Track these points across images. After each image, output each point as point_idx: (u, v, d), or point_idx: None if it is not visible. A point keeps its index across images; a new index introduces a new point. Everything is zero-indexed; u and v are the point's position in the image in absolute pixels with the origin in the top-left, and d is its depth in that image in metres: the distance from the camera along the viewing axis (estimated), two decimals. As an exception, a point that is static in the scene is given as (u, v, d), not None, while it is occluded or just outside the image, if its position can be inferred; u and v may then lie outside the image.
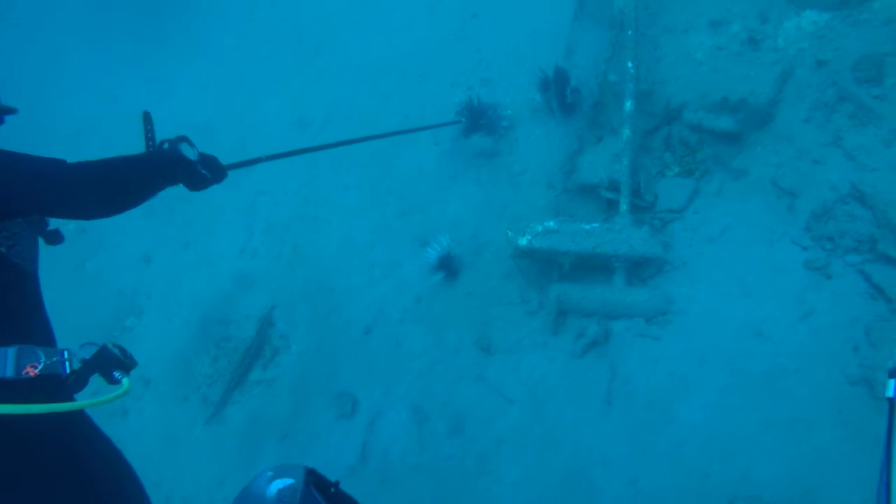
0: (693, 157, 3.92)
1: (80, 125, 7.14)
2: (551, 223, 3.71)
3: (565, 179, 4.28)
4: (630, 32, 4.20)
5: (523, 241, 3.77)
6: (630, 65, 4.09)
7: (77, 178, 1.83)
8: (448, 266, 4.21)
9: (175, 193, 6.14)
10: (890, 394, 0.95)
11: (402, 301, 4.39)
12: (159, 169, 2.17)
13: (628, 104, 3.99)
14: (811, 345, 3.11)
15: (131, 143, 2.49)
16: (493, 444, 3.61)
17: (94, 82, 7.44)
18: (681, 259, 3.65)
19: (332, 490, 1.50)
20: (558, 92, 4.49)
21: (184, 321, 5.11)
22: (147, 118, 2.35)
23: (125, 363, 1.93)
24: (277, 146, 5.73)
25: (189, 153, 2.29)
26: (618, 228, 3.64)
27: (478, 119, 4.66)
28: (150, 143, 2.34)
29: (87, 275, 5.80)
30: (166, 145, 2.30)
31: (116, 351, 1.92)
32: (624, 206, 3.74)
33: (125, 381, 1.85)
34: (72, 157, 1.91)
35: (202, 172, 2.33)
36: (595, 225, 3.69)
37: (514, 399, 3.67)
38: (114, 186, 1.97)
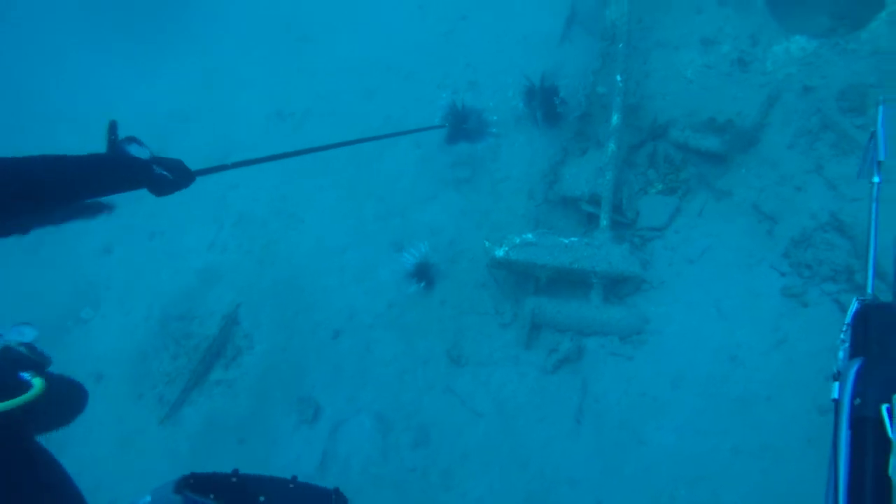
0: (677, 176, 3.93)
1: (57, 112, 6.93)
2: (530, 235, 3.68)
3: (547, 190, 4.27)
4: (621, 45, 4.22)
5: (500, 253, 3.74)
6: (619, 78, 4.11)
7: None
8: (425, 274, 4.16)
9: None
10: (834, 395, 0.99)
11: (375, 306, 4.32)
12: (109, 170, 2.07)
13: (615, 118, 4.00)
14: (784, 372, 3.13)
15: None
16: (458, 458, 3.56)
17: (75, 72, 7.24)
18: (659, 278, 3.66)
19: (233, 479, 1.38)
20: (544, 101, 4.49)
21: (143, 315, 4.97)
22: (112, 128, 2.24)
23: (36, 362, 1.80)
24: (256, 138, 5.68)
25: (139, 153, 2.20)
26: (597, 244, 3.63)
27: (462, 124, 4.63)
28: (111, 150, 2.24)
29: (41, 261, 5.61)
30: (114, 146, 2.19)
31: (23, 350, 1.79)
32: (604, 222, 3.74)
33: (37, 381, 1.72)
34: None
35: (160, 174, 2.23)
36: (574, 239, 3.68)
37: (482, 413, 3.63)
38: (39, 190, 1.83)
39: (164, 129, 6.07)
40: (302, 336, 4.42)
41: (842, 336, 1.10)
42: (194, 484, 1.33)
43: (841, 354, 1.05)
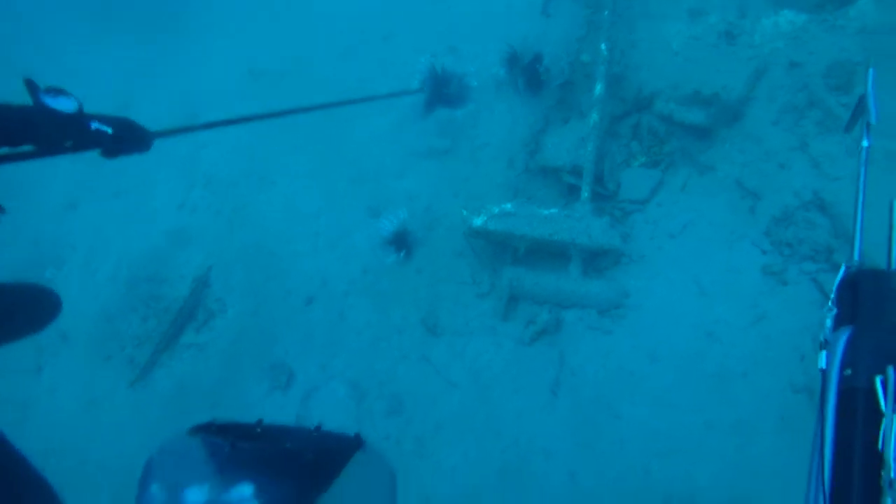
0: (660, 148, 3.83)
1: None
2: (508, 206, 3.56)
3: (528, 159, 4.13)
4: (606, 13, 4.05)
5: (478, 222, 3.62)
6: (604, 46, 3.95)
7: None
8: (403, 242, 4.02)
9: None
10: (822, 365, 0.96)
11: (348, 272, 4.18)
12: (23, 122, 1.84)
13: (598, 87, 3.85)
14: (760, 350, 3.10)
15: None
16: (432, 427, 3.50)
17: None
18: (639, 252, 3.58)
19: (258, 430, 1.27)
20: (526, 68, 4.31)
21: (109, 276, 4.75)
22: (31, 86, 1.94)
23: None
24: (227, 98, 5.38)
25: (64, 105, 1.95)
26: (577, 216, 3.52)
27: (441, 89, 4.44)
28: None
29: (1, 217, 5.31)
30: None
31: None
32: (585, 194, 3.62)
33: None
34: None
35: (99, 129, 2.00)
36: (554, 211, 3.56)
37: (457, 383, 3.56)
38: None
39: (128, 87, 5.73)
40: (274, 301, 4.27)
41: (829, 304, 1.05)
42: (216, 431, 1.22)
43: (828, 323, 1.00)
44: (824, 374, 0.93)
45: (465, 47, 4.88)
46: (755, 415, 2.92)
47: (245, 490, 1.11)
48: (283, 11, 5.56)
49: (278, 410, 3.82)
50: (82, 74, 5.94)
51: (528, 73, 4.29)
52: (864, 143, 1.31)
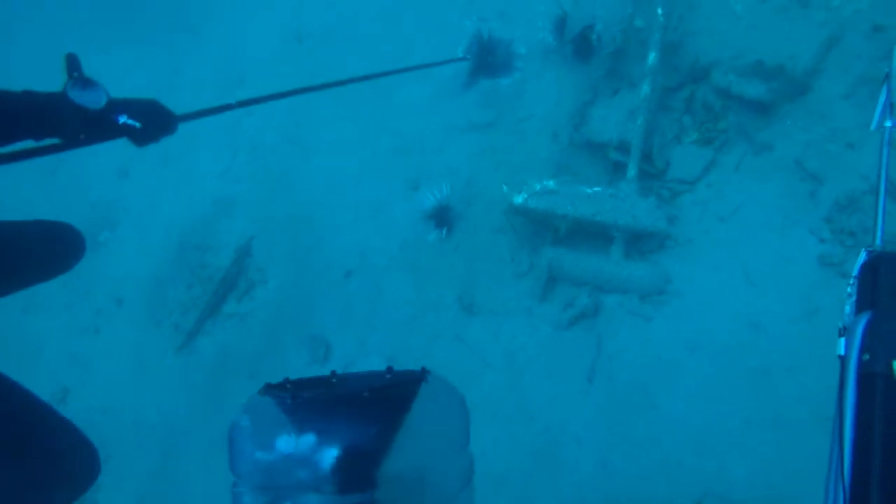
0: (714, 125, 3.60)
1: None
2: (551, 183, 3.44)
3: (573, 132, 3.96)
4: (665, -26, 3.76)
5: (519, 200, 3.52)
6: (660, 11, 3.69)
7: None
8: (444, 219, 3.96)
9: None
10: (840, 352, 0.96)
11: (388, 247, 4.17)
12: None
13: (652, 56, 3.62)
14: (808, 346, 2.94)
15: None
16: (465, 406, 3.51)
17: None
18: (686, 235, 3.41)
19: (333, 380, 1.34)
20: (576, 35, 4.08)
21: (160, 242, 4.91)
22: (72, 62, 1.93)
23: None
24: (271, 62, 5.38)
25: (88, 100, 1.90)
26: (622, 196, 3.38)
27: (487, 56, 4.27)
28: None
29: (58, 184, 5.54)
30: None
31: None
32: (632, 172, 3.46)
33: None
34: None
35: (126, 124, 1.98)
36: (598, 189, 3.43)
37: (491, 364, 3.54)
38: None
39: (174, 51, 5.79)
40: (314, 273, 4.32)
41: (848, 290, 1.04)
42: (288, 387, 1.31)
43: (847, 309, 0.98)
44: (843, 360, 0.92)
45: (514, 10, 4.67)
46: (796, 412, 2.78)
47: (309, 439, 1.18)
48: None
49: (316, 382, 3.92)
50: (131, 33, 6.04)
51: (577, 39, 4.07)
52: (888, 124, 1.27)
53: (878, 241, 1.04)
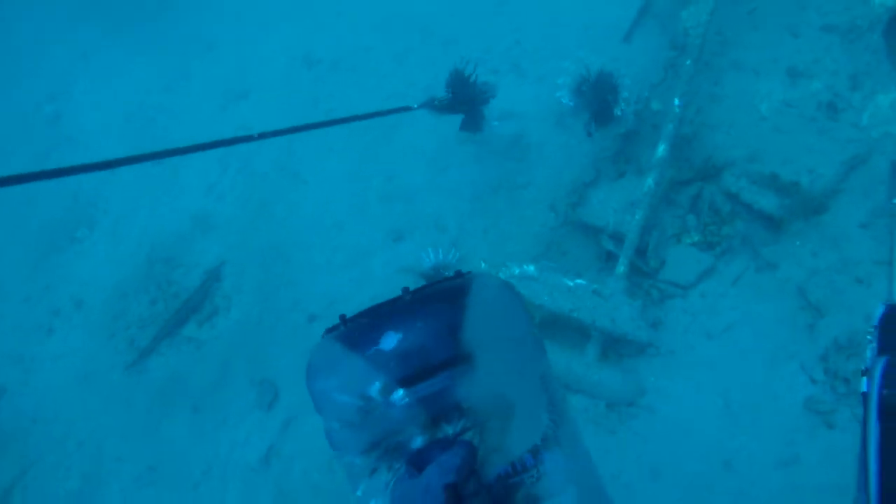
0: (719, 229, 3.37)
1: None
2: (531, 268, 3.23)
3: (569, 210, 3.75)
4: (689, 62, 3.58)
5: (497, 278, 3.31)
6: (677, 101, 3.50)
7: None
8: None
9: (154, 104, 5.60)
10: (864, 389, 1.08)
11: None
12: None
13: (661, 148, 3.42)
14: (783, 497, 2.67)
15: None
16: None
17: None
18: (669, 346, 3.17)
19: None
20: (596, 99, 3.85)
21: (131, 250, 4.76)
22: None
23: None
24: (279, 83, 5.26)
25: None
26: (606, 294, 3.15)
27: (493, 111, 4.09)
28: None
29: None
30: None
31: None
32: (622, 268, 3.23)
33: None
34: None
35: None
36: (581, 282, 3.20)
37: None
38: None
39: (184, 55, 5.72)
40: (278, 311, 4.13)
41: (869, 337, 1.18)
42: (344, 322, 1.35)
43: (868, 353, 1.11)
44: (865, 396, 1.06)
45: (529, 66, 4.51)
46: (759, 578, 2.52)
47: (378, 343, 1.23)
48: (347, 3, 5.33)
49: (256, 430, 3.71)
50: (146, 38, 5.99)
51: (598, 104, 3.83)
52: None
53: (894, 297, 1.13)
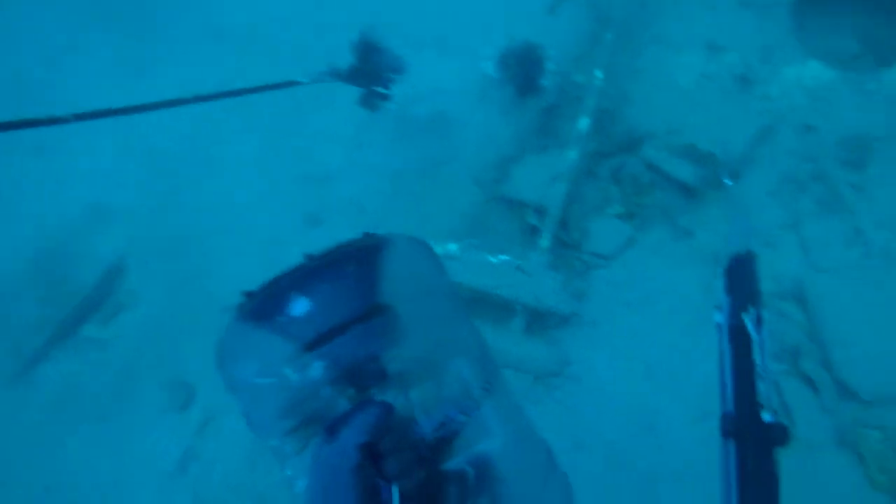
0: (640, 200, 3.83)
1: None
2: (453, 247, 3.59)
3: (494, 185, 4.15)
4: (610, 35, 4.04)
5: (419, 258, 3.66)
6: (598, 74, 3.95)
7: None
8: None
9: (34, 79, 5.62)
10: (718, 320, 1.47)
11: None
12: None
13: (583, 122, 3.86)
14: (702, 450, 3.13)
15: None
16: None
17: None
18: (593, 316, 3.60)
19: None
20: (521, 73, 4.25)
21: (14, 244, 4.82)
22: None
23: None
24: (186, 60, 5.42)
25: None
26: (530, 269, 3.55)
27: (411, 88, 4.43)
28: None
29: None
30: None
31: None
32: (545, 243, 3.64)
33: None
34: None
35: None
36: (504, 258, 3.59)
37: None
38: None
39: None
40: (190, 306, 4.32)
41: (718, 281, 1.57)
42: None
43: (720, 294, 1.50)
44: (719, 325, 1.45)
45: (453, 38, 4.87)
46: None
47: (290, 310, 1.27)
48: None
49: (169, 434, 3.91)
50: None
51: (523, 77, 4.23)
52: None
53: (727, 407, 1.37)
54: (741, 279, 1.48)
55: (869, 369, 2.99)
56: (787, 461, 3.04)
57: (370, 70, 3.71)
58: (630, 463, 3.19)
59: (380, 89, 3.85)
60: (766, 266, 3.41)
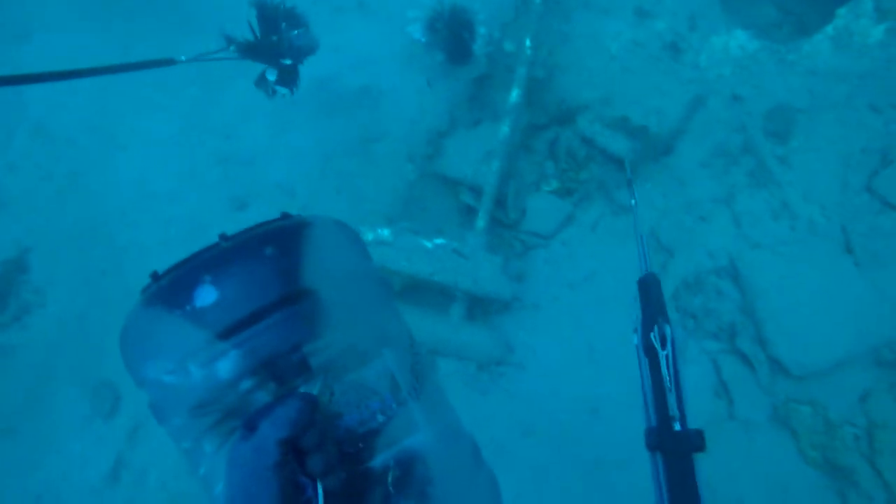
0: (577, 175, 3.75)
1: None
2: (386, 232, 3.41)
3: (427, 161, 3.97)
4: (538, 1, 3.85)
5: (353, 246, 3.47)
6: (528, 43, 3.77)
7: None
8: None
9: None
10: (635, 342, 1.50)
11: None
12: None
13: (514, 93, 3.69)
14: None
15: None
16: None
17: None
18: (534, 299, 3.54)
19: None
20: (451, 37, 3.99)
21: None
22: None
23: None
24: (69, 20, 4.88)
25: None
26: (467, 252, 3.43)
27: (337, 57, 4.15)
28: None
29: None
30: None
31: None
32: (481, 223, 3.51)
33: None
34: None
35: None
36: (440, 242, 3.45)
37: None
38: None
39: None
40: (106, 302, 4.01)
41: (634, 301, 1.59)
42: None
43: (635, 317, 1.53)
44: (636, 347, 1.49)
45: (376, 2, 4.58)
46: (626, 510, 3.00)
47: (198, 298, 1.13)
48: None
49: (96, 444, 3.67)
50: None
51: (451, 40, 3.98)
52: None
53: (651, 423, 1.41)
54: (647, 300, 1.53)
55: (799, 345, 3.05)
56: (726, 441, 3.12)
57: (271, 43, 3.28)
58: (577, 448, 3.20)
59: (285, 62, 3.43)
60: (701, 242, 3.42)
